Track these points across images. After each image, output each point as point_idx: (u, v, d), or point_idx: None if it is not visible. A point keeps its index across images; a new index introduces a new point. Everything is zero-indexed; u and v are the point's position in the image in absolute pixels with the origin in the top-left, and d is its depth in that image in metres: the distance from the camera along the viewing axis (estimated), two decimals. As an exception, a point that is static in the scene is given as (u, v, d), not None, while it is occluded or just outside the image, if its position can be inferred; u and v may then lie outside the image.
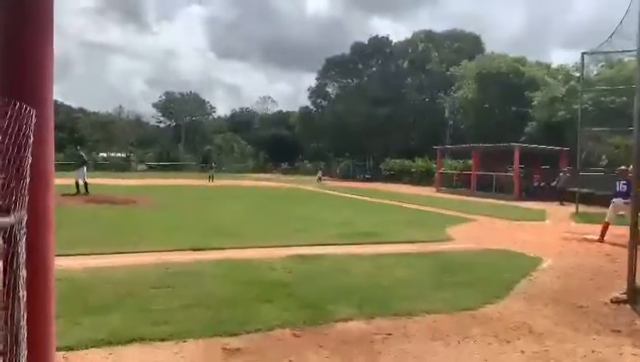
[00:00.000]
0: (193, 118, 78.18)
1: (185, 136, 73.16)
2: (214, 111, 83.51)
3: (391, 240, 9.88)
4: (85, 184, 18.43)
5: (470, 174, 30.74)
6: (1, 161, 1.57)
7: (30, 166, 1.83)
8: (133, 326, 4.28)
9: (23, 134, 1.70)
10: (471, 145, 31.97)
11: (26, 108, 1.70)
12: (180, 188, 26.59)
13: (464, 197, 25.48)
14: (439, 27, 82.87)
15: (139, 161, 60.95)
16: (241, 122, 79.18)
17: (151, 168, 57.54)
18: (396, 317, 4.85)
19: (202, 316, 4.65)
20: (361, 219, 13.50)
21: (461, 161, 34.09)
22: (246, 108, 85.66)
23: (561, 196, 21.61)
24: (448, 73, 46.95)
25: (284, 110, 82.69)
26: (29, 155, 1.80)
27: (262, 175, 55.83)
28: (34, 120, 1.80)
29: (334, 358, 3.85)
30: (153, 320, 4.45)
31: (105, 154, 59.49)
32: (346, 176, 52.71)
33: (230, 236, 9.68)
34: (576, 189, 18.66)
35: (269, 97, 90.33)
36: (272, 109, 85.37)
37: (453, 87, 43.37)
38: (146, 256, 7.39)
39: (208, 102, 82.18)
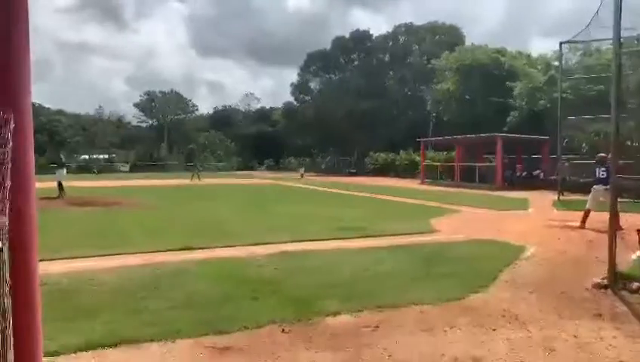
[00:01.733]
0: (175, 117, 77.53)
1: (167, 135, 72.53)
2: (197, 110, 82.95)
3: (377, 233, 9.93)
4: (60, 184, 18.28)
5: (453, 165, 31.02)
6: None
7: (10, 171, 1.82)
8: (119, 328, 4.26)
9: (1, 139, 1.69)
10: (453, 136, 32.23)
11: (3, 113, 1.68)
12: (165, 189, 26.39)
13: (448, 189, 25.74)
14: (420, 20, 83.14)
15: (122, 162, 60.32)
16: (224, 119, 78.68)
17: (134, 169, 56.93)
18: (384, 310, 4.90)
19: (190, 316, 4.64)
20: (347, 214, 13.55)
21: (444, 153, 34.38)
22: (229, 106, 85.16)
23: (562, 187, 20.71)
24: (429, 66, 47.18)
25: (268, 106, 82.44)
26: (9, 160, 1.78)
27: (246, 172, 55.68)
28: (12, 124, 1.78)
29: (324, 353, 3.88)
30: (140, 322, 4.44)
31: (87, 156, 58.73)
32: (331, 171, 52.89)
33: (216, 235, 9.65)
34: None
35: (252, 94, 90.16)
36: (256, 106, 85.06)
37: (434, 80, 43.60)
38: (131, 257, 7.34)
39: (190, 101, 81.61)
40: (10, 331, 1.83)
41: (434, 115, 44.62)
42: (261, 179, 39.03)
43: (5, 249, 1.80)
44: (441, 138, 34.91)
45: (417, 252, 7.97)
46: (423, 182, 31.85)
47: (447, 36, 53.18)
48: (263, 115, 79.27)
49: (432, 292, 5.51)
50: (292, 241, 8.77)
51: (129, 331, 4.18)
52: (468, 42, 48.91)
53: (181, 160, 62.99)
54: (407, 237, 9.49)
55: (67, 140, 58.20)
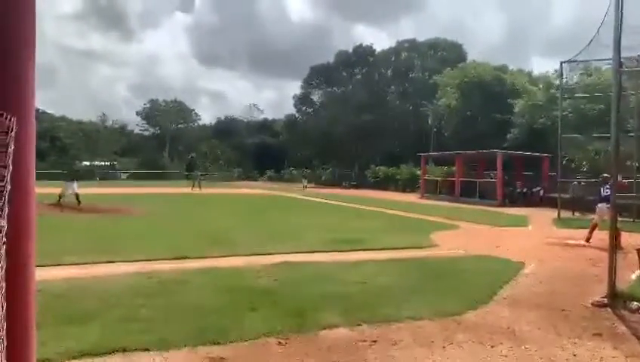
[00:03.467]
0: (178, 126, 77.76)
1: (170, 144, 72.67)
2: (199, 119, 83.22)
3: (376, 246, 9.91)
4: (77, 195, 17.98)
5: (454, 181, 31.03)
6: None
7: (10, 175, 1.81)
8: (115, 336, 4.23)
9: (3, 143, 1.69)
10: (455, 152, 32.30)
11: (7, 117, 1.68)
12: (165, 197, 26.36)
13: (448, 204, 25.69)
14: (422, 36, 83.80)
15: (123, 170, 60.39)
16: (227, 130, 78.90)
17: (135, 177, 56.94)
18: (382, 324, 4.87)
19: (186, 325, 4.61)
20: (347, 226, 13.53)
21: (445, 168, 34.40)
22: (231, 116, 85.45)
23: (576, 206, 20.29)
24: (431, 81, 47.44)
25: (270, 118, 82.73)
26: (10, 164, 1.78)
27: (248, 182, 55.68)
28: (15, 128, 1.78)
29: (320, 366, 3.84)
30: (136, 330, 4.41)
31: (88, 163, 58.76)
32: (332, 183, 52.85)
33: (216, 244, 9.62)
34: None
35: (255, 105, 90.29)
36: (258, 117, 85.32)
37: (436, 95, 43.81)
38: (130, 265, 7.31)
39: (193, 110, 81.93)
40: (3, 336, 1.81)
41: (435, 130, 44.73)
42: (263, 189, 39.00)
43: (2, 252, 1.79)
44: (441, 153, 35.01)
45: (416, 266, 7.94)
46: (422, 197, 31.83)
47: (449, 53, 53.55)
48: (265, 126, 79.55)
49: (430, 307, 5.47)
50: (292, 253, 8.74)
51: (123, 339, 4.14)
52: (469, 59, 49.27)
53: (182, 168, 63.05)
54: (406, 251, 9.46)
55: (69, 147, 58.20)
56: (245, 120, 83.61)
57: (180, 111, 78.16)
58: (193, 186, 34.47)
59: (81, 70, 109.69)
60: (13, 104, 2.08)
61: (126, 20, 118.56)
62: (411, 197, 31.04)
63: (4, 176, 1.78)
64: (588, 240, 10.92)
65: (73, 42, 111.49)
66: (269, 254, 8.49)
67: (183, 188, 33.97)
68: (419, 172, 36.27)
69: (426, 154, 36.05)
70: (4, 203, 1.77)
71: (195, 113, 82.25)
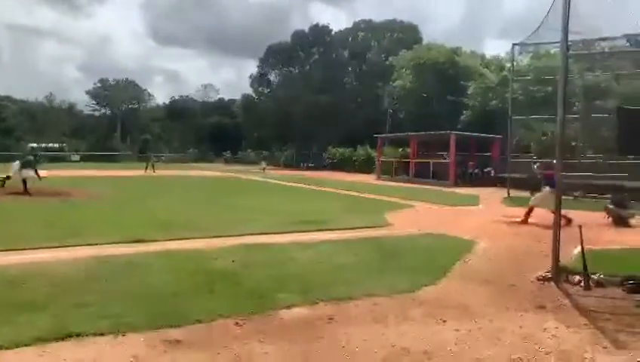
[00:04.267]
0: (130, 107, 75.26)
1: (121, 125, 70.32)
2: (152, 99, 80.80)
3: (333, 227, 10.01)
4: (25, 181, 15.70)
5: (409, 162, 31.62)
6: None
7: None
8: (68, 321, 4.11)
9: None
10: (409, 133, 32.84)
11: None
12: (118, 180, 25.61)
13: (403, 185, 26.24)
14: (379, 17, 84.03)
15: (73, 151, 58.09)
16: (181, 110, 76.99)
17: (86, 158, 54.93)
18: (338, 302, 4.96)
19: (142, 308, 4.54)
20: (305, 207, 13.59)
21: (400, 150, 35.04)
22: (186, 96, 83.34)
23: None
24: (387, 63, 47.81)
25: (227, 98, 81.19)
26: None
27: (203, 164, 54.78)
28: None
29: (278, 345, 3.89)
30: (90, 315, 4.30)
31: (35, 145, 56.18)
32: (290, 165, 52.81)
33: (172, 227, 9.44)
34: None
35: (211, 85, 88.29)
36: (214, 97, 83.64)
37: (392, 77, 44.25)
38: (83, 249, 7.09)
39: (146, 90, 79.46)
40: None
41: (390, 111, 45.33)
42: (220, 171, 38.50)
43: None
44: (397, 134, 35.51)
45: (372, 245, 8.09)
46: (379, 178, 32.31)
47: (406, 34, 54.01)
48: (222, 106, 78.04)
49: (385, 284, 5.61)
50: (250, 234, 8.71)
51: (78, 324, 4.04)
52: (425, 41, 49.89)
53: (135, 150, 61.28)
54: (362, 231, 9.62)
55: (14, 128, 55.39)
56: (201, 100, 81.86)
57: (132, 90, 75.58)
58: (147, 168, 33.57)
59: (26, 47, 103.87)
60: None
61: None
62: (368, 179, 31.46)
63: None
64: (525, 221, 11.15)
65: (18, 18, 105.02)
66: (228, 236, 8.43)
67: (136, 171, 33.02)
68: (375, 153, 36.73)
69: (382, 135, 36.48)
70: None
71: (148, 93, 79.91)
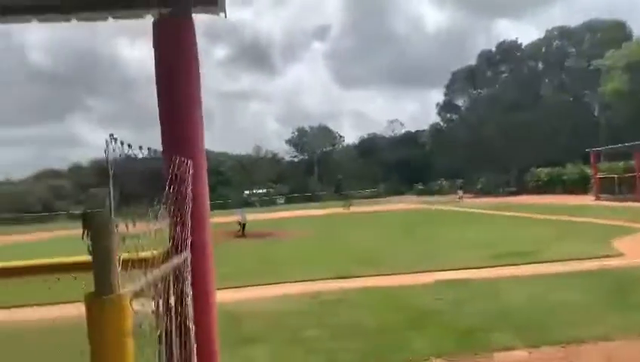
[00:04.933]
0: (324, 150, 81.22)
1: (317, 167, 76.16)
2: (343, 141, 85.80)
3: (545, 259, 9.00)
4: (243, 225, 19.20)
5: (634, 177, 27.03)
6: (170, 211, 1.72)
7: (190, 210, 2.00)
8: (284, 356, 4.40)
9: (183, 183, 1.87)
10: (632, 143, 28.11)
11: (185, 161, 1.86)
12: (318, 218, 27.43)
13: (629, 204, 22.39)
14: (573, 21, 75.39)
15: (277, 196, 64.95)
16: (370, 147, 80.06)
17: (289, 201, 60.80)
18: (563, 346, 4.33)
19: (351, 345, 4.63)
20: (510, 238, 12.57)
21: (621, 163, 30.13)
22: (374, 134, 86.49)
23: None
24: (591, 67, 42.58)
25: (413, 130, 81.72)
26: (189, 202, 1.97)
27: (395, 197, 55.45)
28: (191, 170, 1.97)
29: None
30: (304, 350, 4.54)
31: (248, 192, 64.49)
32: (488, 192, 49.78)
33: (373, 263, 9.63)
34: None
35: (396, 119, 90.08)
36: (401, 131, 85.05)
37: (599, 82, 39.10)
38: (292, 286, 7.67)
39: (337, 132, 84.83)
40: (194, 356, 1.98)
41: (602, 121, 39.79)
42: (413, 203, 38.44)
43: (188, 280, 1.97)
44: (613, 146, 30.78)
45: (598, 279, 7.01)
46: (597, 198, 28.31)
47: (609, 33, 47.47)
48: (409, 139, 78.65)
49: (620, 326, 4.74)
50: (452, 269, 8.37)
51: (295, 359, 4.29)
52: (636, 35, 43.23)
53: (330, 190, 65.58)
54: (584, 263, 8.41)
55: (231, 179, 64.51)
56: (388, 135, 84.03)
57: (325, 134, 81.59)
58: (344, 206, 35.64)
59: (233, 109, 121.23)
60: (188, 150, 2.32)
61: (269, 58, 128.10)
62: (584, 200, 27.82)
63: (187, 213, 1.97)
64: None
65: (226, 86, 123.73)
66: (429, 271, 8.24)
67: (333, 209, 35.07)
68: (589, 170, 32.42)
69: (597, 149, 31.96)
70: (187, 235, 1.96)
71: (339, 135, 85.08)
